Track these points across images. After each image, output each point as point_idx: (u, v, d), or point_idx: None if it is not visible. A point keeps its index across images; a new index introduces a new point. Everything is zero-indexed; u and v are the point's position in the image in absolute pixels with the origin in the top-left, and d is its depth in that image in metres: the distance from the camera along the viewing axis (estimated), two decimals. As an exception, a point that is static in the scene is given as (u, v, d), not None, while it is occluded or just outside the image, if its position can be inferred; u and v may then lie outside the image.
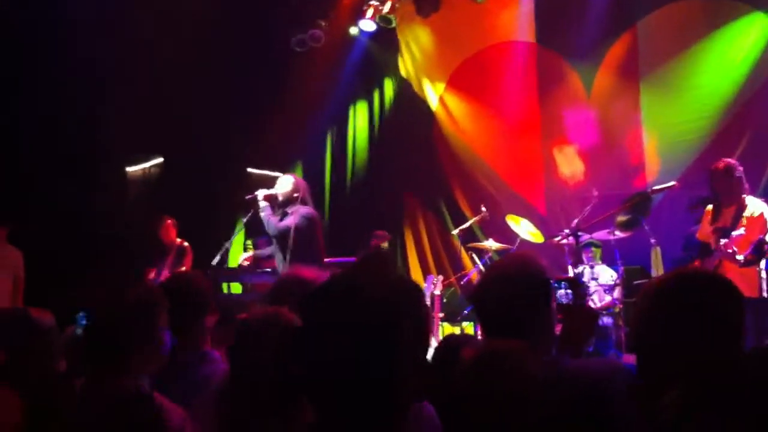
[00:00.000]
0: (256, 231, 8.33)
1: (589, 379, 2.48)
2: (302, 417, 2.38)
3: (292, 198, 6.98)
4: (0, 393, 2.45)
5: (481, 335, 2.76)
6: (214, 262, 7.58)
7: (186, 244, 9.05)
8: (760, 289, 6.04)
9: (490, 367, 2.18)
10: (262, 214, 7.03)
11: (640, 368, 2.15)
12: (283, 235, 6.84)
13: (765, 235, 6.00)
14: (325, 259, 7.55)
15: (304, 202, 7.03)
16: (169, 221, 9.06)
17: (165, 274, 8.88)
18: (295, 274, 3.51)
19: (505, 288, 2.60)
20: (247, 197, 7.22)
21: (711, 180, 6.38)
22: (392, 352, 1.57)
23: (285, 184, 7.11)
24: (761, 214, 6.12)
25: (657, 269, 7.89)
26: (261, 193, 7.10)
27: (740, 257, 5.96)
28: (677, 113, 9.24)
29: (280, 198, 7.02)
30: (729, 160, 6.44)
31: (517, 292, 2.58)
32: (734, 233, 5.99)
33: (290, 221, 6.81)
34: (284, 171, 11.27)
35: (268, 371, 2.42)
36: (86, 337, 2.81)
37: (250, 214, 7.11)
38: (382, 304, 1.59)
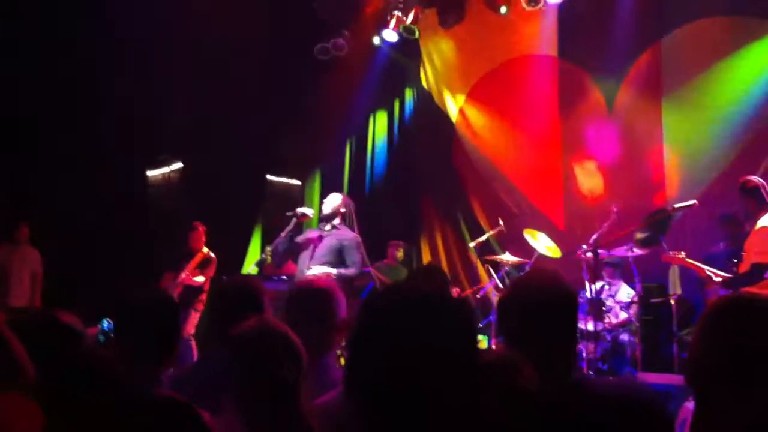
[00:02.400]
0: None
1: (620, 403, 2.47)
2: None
3: (339, 212, 6.99)
4: (20, 402, 2.46)
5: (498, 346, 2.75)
6: (249, 270, 7.57)
7: (212, 255, 9.09)
8: None
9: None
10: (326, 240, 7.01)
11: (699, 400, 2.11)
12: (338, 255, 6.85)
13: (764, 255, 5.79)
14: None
15: (348, 221, 7.02)
16: (201, 228, 9.11)
17: (183, 276, 8.93)
18: (310, 285, 3.53)
19: (529, 300, 2.58)
20: (287, 213, 7.17)
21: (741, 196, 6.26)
22: (456, 360, 1.63)
23: (334, 199, 7.10)
24: (761, 228, 5.89)
25: (675, 288, 7.83)
26: (300, 212, 7.09)
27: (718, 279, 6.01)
28: (699, 130, 9.17)
29: (329, 213, 6.98)
30: (751, 177, 6.33)
31: (541, 306, 2.56)
32: None
33: (358, 264, 6.83)
34: (303, 179, 11.38)
35: (262, 380, 2.44)
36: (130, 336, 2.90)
37: (289, 230, 7.04)
38: (455, 312, 1.66)
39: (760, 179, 6.18)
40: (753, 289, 5.60)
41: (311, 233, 7.04)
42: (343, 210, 7.01)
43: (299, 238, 7.04)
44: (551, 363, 2.48)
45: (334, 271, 6.63)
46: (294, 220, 7.02)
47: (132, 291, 3.15)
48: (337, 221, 6.95)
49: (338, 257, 6.81)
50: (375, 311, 1.69)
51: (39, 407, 2.05)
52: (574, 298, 2.68)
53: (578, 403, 2.27)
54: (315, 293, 3.39)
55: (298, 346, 2.56)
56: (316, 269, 6.63)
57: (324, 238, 6.90)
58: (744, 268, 5.95)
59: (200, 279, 8.97)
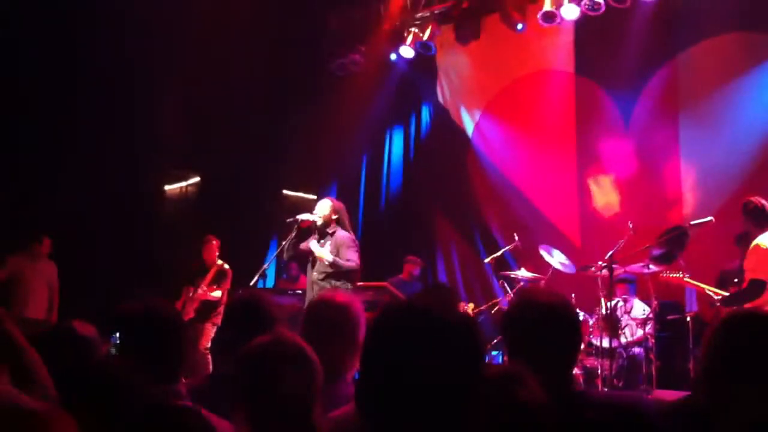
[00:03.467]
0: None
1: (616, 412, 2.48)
2: None
3: (331, 220, 7.13)
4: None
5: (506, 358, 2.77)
6: (253, 282, 7.65)
7: (227, 267, 9.14)
8: None
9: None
10: (311, 246, 7.13)
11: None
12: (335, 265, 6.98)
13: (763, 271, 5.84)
14: (359, 282, 7.65)
15: (341, 224, 7.18)
16: (214, 242, 9.16)
17: (200, 292, 8.98)
18: (329, 299, 3.53)
19: (532, 314, 2.62)
20: (287, 220, 7.31)
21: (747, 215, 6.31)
22: (463, 374, 1.66)
23: (323, 207, 7.23)
24: (756, 246, 5.96)
25: (691, 305, 7.79)
26: (301, 218, 7.21)
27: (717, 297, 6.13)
28: (716, 146, 9.11)
29: (320, 222, 7.12)
30: (753, 198, 6.35)
31: (544, 319, 2.60)
32: None
33: (354, 259, 7.00)
34: (319, 194, 11.42)
35: (273, 395, 2.45)
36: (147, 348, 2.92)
37: (292, 237, 7.17)
38: (459, 331, 1.68)
39: (762, 200, 6.20)
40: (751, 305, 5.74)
41: (312, 241, 7.17)
42: (334, 216, 7.19)
43: (302, 245, 7.19)
44: (551, 375, 2.51)
45: (330, 258, 6.87)
46: (295, 226, 7.17)
47: (130, 303, 3.17)
48: (330, 229, 7.06)
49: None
50: (381, 329, 1.72)
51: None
52: (574, 312, 2.73)
53: (578, 414, 2.30)
54: (333, 309, 3.35)
55: (313, 361, 2.56)
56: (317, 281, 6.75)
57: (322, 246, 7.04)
58: (742, 285, 6.05)
59: (217, 294, 9.00)
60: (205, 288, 8.99)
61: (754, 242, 6.00)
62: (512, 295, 8.72)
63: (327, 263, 6.98)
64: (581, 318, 7.68)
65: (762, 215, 6.09)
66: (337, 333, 3.26)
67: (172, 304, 3.33)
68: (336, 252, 7.03)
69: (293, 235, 7.21)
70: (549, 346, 2.56)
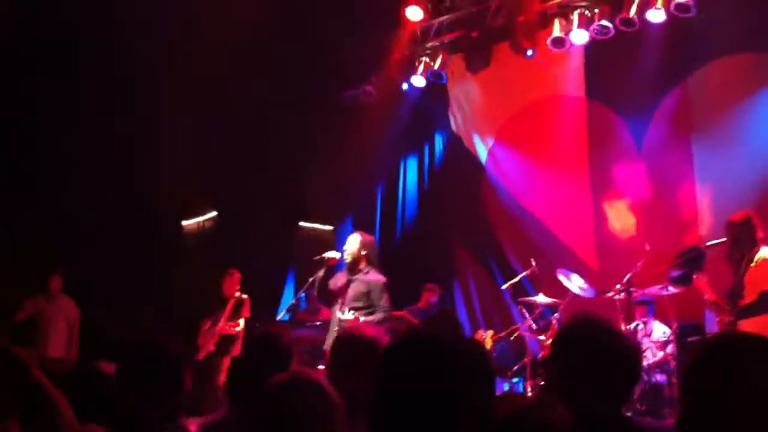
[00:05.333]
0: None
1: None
2: None
3: (360, 256, 7.07)
4: None
5: (553, 380, 2.72)
6: (280, 316, 7.65)
7: (245, 296, 9.17)
8: None
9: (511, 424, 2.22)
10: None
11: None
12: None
13: None
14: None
15: (370, 260, 7.12)
16: (236, 274, 9.20)
17: (221, 325, 9.01)
18: (357, 332, 3.54)
19: (596, 338, 2.59)
20: (314, 258, 7.28)
21: (731, 231, 6.52)
22: (466, 405, 1.69)
23: (353, 243, 7.18)
24: (765, 260, 6.21)
25: (711, 326, 7.74)
26: (328, 256, 7.18)
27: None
28: (730, 167, 9.09)
29: (348, 258, 7.08)
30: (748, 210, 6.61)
31: (609, 344, 2.57)
32: None
33: (387, 304, 6.98)
34: (336, 225, 11.47)
35: None
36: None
37: (318, 275, 7.15)
38: (463, 362, 1.72)
39: (746, 215, 6.45)
40: (761, 318, 5.98)
41: (340, 278, 7.12)
42: (363, 252, 7.10)
43: (331, 283, 7.13)
44: (606, 402, 2.50)
45: (361, 319, 6.71)
46: (323, 264, 7.14)
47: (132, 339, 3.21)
48: (362, 265, 7.04)
49: (367, 301, 6.91)
50: (391, 359, 1.75)
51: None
52: (637, 343, 2.72)
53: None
54: (357, 344, 3.35)
55: (331, 398, 2.56)
56: (346, 314, 6.71)
57: (352, 283, 6.99)
58: (751, 298, 6.19)
59: (240, 326, 9.01)
60: (225, 322, 9.01)
61: (762, 257, 6.23)
62: (531, 321, 8.70)
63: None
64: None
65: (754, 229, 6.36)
66: (365, 368, 3.25)
67: (173, 339, 3.32)
68: (367, 293, 6.98)
69: (321, 274, 7.15)
70: (606, 371, 2.52)
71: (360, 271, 7.06)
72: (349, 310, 6.83)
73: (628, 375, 2.61)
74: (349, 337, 3.53)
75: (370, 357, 3.24)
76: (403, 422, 1.67)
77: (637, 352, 2.68)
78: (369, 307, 6.91)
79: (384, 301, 7.00)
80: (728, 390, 1.97)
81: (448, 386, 1.66)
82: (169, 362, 3.17)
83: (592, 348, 2.55)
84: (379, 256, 7.54)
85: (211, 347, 8.91)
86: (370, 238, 7.42)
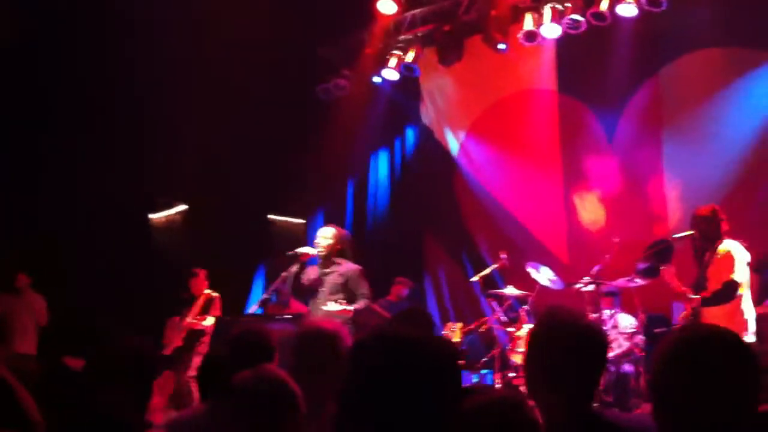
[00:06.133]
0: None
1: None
2: None
3: (335, 250, 7.01)
4: None
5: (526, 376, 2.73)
6: (251, 311, 7.59)
7: (215, 294, 9.12)
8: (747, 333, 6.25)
9: (481, 418, 2.21)
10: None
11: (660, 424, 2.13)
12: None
13: (732, 274, 6.26)
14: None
15: (345, 254, 7.06)
16: (200, 273, 9.15)
17: (188, 321, 8.96)
18: (316, 327, 3.51)
19: (553, 337, 2.60)
20: (288, 253, 7.19)
21: (697, 224, 6.60)
22: (436, 400, 1.71)
23: (327, 236, 7.11)
24: (727, 253, 6.34)
25: (678, 317, 7.79)
26: (301, 251, 7.10)
27: (695, 296, 6.38)
28: (700, 161, 9.18)
29: (323, 251, 7.02)
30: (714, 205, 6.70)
31: (577, 341, 2.57)
32: None
33: (366, 292, 6.94)
34: (306, 218, 11.42)
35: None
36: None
37: (296, 269, 7.06)
38: (432, 358, 1.73)
39: (712, 209, 6.55)
40: (722, 309, 6.15)
41: (312, 272, 7.04)
42: (338, 246, 7.03)
43: (304, 278, 7.05)
44: (578, 396, 2.53)
45: (350, 308, 6.68)
46: (296, 259, 7.06)
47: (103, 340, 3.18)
48: (335, 259, 6.98)
49: (346, 292, 6.84)
50: (358, 357, 1.75)
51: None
52: (605, 337, 2.74)
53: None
54: (318, 340, 3.32)
55: (295, 396, 2.56)
56: (331, 306, 6.67)
57: (327, 276, 6.93)
58: (714, 287, 6.33)
59: (209, 321, 8.95)
60: (195, 318, 8.97)
61: (724, 250, 6.37)
62: (501, 314, 8.73)
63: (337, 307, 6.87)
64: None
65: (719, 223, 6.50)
66: (320, 363, 3.21)
67: (145, 339, 3.30)
68: (345, 282, 6.93)
69: (294, 268, 7.08)
70: (576, 368, 2.54)
71: (333, 263, 7.00)
72: (335, 302, 6.77)
73: (594, 368, 2.62)
74: (304, 336, 3.48)
75: (325, 356, 3.24)
76: (369, 420, 1.66)
77: (603, 345, 2.69)
78: (349, 298, 6.85)
79: (364, 289, 6.95)
80: (693, 384, 2.00)
81: (415, 384, 1.67)
82: (140, 363, 3.13)
83: (559, 344, 2.57)
84: (354, 249, 7.50)
85: (179, 342, 8.87)
86: (343, 231, 7.36)
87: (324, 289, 6.92)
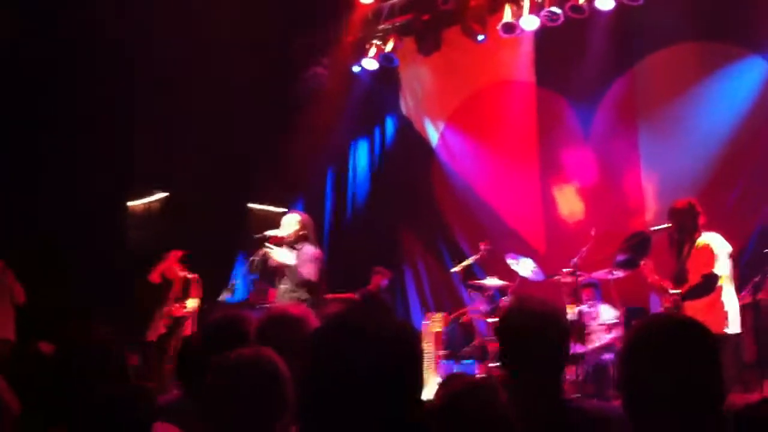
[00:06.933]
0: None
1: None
2: None
3: (299, 236, 7.17)
4: None
5: (499, 365, 2.82)
6: (221, 298, 7.66)
7: (191, 276, 9.11)
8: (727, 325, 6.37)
9: (456, 405, 2.29)
10: (274, 257, 7.17)
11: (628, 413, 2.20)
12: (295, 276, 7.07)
13: (713, 268, 6.36)
14: (325, 295, 7.75)
15: (308, 239, 7.23)
16: (171, 257, 9.10)
17: (168, 306, 8.95)
18: (281, 312, 3.54)
19: (527, 324, 2.69)
20: (255, 236, 7.34)
21: (675, 217, 6.69)
22: (394, 389, 1.69)
23: (291, 222, 7.29)
24: (706, 245, 6.44)
25: (656, 310, 7.93)
26: (269, 234, 7.25)
27: (676, 291, 6.46)
28: (676, 154, 9.27)
29: (287, 238, 7.16)
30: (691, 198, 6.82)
31: (540, 329, 2.67)
32: None
33: (311, 272, 7.05)
34: (286, 207, 11.42)
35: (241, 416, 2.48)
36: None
37: (261, 254, 7.21)
38: (388, 346, 1.72)
39: (689, 202, 6.66)
40: (702, 301, 6.27)
41: (277, 257, 7.19)
42: (302, 232, 7.21)
43: (270, 261, 7.22)
44: (545, 384, 2.59)
45: (292, 262, 7.01)
46: (264, 243, 7.21)
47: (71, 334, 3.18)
48: (299, 244, 7.11)
49: (298, 274, 7.11)
50: (316, 346, 1.77)
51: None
52: (567, 323, 2.83)
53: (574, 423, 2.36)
54: (284, 324, 3.33)
55: (287, 378, 2.58)
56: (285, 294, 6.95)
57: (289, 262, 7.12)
58: (693, 282, 6.43)
59: (191, 304, 8.95)
60: (173, 303, 8.96)
61: (703, 243, 6.47)
62: (480, 304, 8.81)
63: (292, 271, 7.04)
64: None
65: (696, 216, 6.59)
66: (287, 348, 3.24)
67: (106, 327, 3.30)
68: (297, 264, 7.12)
69: (261, 252, 7.25)
70: (542, 353, 2.64)
71: (295, 249, 7.19)
72: (286, 286, 7.11)
73: (557, 353, 2.71)
74: (270, 320, 3.50)
75: (297, 339, 3.26)
76: (331, 410, 1.69)
77: (566, 332, 2.77)
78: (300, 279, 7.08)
79: (308, 269, 7.08)
80: (654, 373, 2.07)
81: (374, 371, 1.68)
82: (104, 352, 3.12)
83: (524, 333, 2.67)
84: (317, 234, 7.78)
85: (162, 329, 8.86)
86: (306, 216, 7.57)
87: (285, 275, 7.20)
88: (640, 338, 2.19)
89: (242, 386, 2.51)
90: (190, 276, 9.13)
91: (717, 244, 6.48)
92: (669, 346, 2.10)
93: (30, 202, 9.55)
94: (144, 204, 11.21)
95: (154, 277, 9.07)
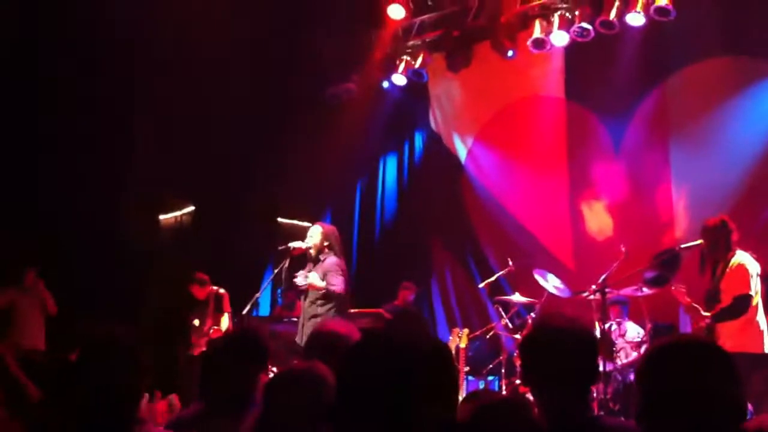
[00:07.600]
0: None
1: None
2: None
3: (323, 247, 7.20)
4: None
5: (522, 383, 2.80)
6: (246, 311, 7.71)
7: (222, 291, 9.20)
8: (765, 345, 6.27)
9: (489, 420, 2.26)
10: (301, 280, 7.19)
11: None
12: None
13: (749, 290, 6.26)
14: (352, 309, 7.75)
15: (333, 250, 7.23)
16: (198, 277, 9.22)
17: (209, 323, 9.05)
18: (329, 329, 3.56)
19: (553, 340, 2.66)
20: (279, 248, 7.39)
21: (707, 235, 6.62)
22: (424, 409, 1.70)
23: (314, 234, 7.31)
24: (740, 265, 6.33)
25: (685, 326, 7.83)
26: (293, 246, 7.29)
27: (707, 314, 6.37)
28: (707, 170, 9.17)
29: (312, 250, 7.18)
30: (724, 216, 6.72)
31: (565, 345, 2.64)
32: None
33: (338, 284, 7.06)
34: (314, 221, 11.46)
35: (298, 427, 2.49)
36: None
37: (284, 265, 7.26)
38: (419, 364, 1.73)
39: (721, 220, 6.55)
40: (737, 322, 6.15)
41: (301, 274, 7.24)
42: (326, 243, 7.26)
43: (296, 279, 7.26)
44: (569, 402, 2.58)
45: (321, 284, 7.00)
46: (288, 254, 7.25)
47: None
48: (323, 256, 7.18)
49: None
50: (350, 361, 1.77)
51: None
52: (594, 340, 2.79)
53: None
54: (331, 342, 3.37)
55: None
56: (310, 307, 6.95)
57: (312, 272, 7.19)
58: (727, 301, 6.32)
59: (225, 322, 9.05)
60: (212, 320, 9.07)
61: (737, 262, 6.36)
62: (507, 320, 8.76)
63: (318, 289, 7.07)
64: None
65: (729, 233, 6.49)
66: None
67: (128, 329, 3.28)
68: (323, 277, 7.11)
69: (286, 263, 7.28)
70: (567, 370, 2.61)
71: (319, 261, 7.23)
72: (312, 302, 7.07)
73: (584, 373, 2.67)
74: (320, 334, 3.54)
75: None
76: (362, 423, 1.68)
77: (593, 349, 2.73)
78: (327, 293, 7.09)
79: (339, 280, 7.06)
80: (670, 390, 2.06)
81: (405, 386, 1.68)
82: (121, 353, 3.11)
83: (550, 350, 2.64)
84: (343, 246, 7.73)
85: (204, 347, 8.94)
86: (331, 227, 7.61)
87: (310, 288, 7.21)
88: (656, 356, 2.17)
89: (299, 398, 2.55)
90: (221, 291, 9.22)
91: (749, 263, 6.38)
92: (685, 365, 2.09)
93: (64, 217, 9.65)
94: (174, 217, 11.32)
95: (200, 293, 9.19)
